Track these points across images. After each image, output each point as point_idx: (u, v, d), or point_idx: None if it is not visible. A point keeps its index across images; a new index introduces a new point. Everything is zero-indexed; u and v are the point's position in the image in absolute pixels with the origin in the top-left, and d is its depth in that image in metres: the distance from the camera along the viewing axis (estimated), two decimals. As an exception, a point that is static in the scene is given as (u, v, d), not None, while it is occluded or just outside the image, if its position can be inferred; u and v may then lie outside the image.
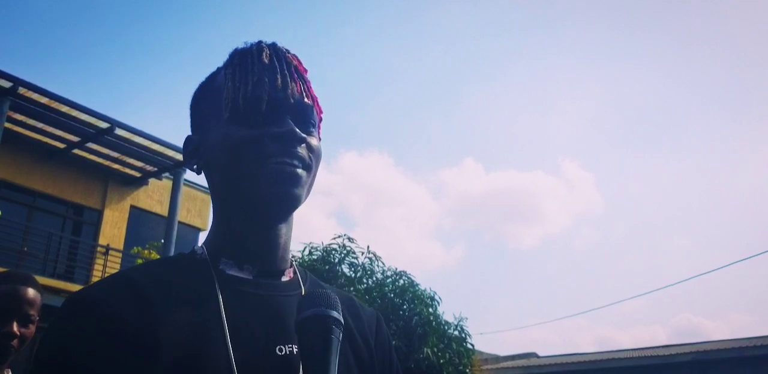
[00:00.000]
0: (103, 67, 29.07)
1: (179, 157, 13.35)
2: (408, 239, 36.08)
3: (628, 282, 35.23)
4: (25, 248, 12.15)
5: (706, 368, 13.72)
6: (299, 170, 0.79)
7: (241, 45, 0.85)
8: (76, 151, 12.92)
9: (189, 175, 14.08)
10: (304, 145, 0.80)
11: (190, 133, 0.88)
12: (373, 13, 36.97)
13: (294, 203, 0.79)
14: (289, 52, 0.85)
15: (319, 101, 0.85)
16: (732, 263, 14.09)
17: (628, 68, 34.55)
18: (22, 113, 11.50)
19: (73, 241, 13.19)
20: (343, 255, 10.57)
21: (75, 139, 12.47)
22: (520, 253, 36.99)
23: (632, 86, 33.39)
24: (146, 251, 13.22)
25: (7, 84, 10.81)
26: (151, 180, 14.58)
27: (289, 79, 0.81)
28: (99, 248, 13.34)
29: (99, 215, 13.85)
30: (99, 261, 13.17)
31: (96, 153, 13.15)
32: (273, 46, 0.84)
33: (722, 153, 32.01)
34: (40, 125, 11.96)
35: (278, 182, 0.77)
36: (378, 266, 11.09)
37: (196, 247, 0.84)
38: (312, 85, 0.85)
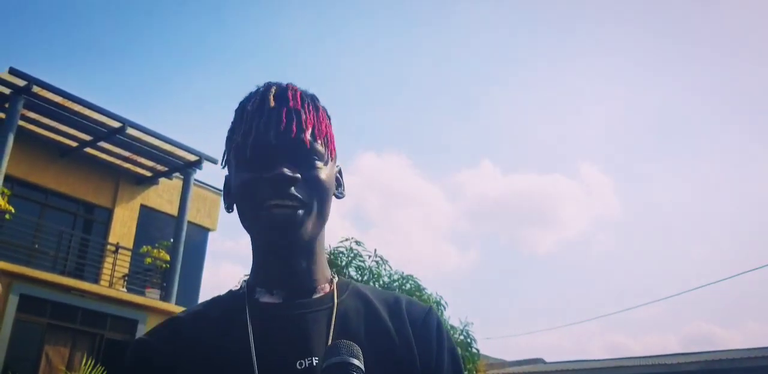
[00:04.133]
0: (116, 67, 29.29)
1: (190, 157, 13.44)
2: (423, 241, 36.01)
3: (642, 288, 34.91)
4: (37, 246, 12.25)
5: (714, 378, 13.59)
6: (299, 211, 0.84)
7: (253, 87, 0.92)
8: (88, 149, 13.03)
9: (199, 175, 14.17)
10: (299, 183, 0.85)
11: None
12: (394, 13, 36.96)
13: (294, 244, 0.86)
14: (294, 91, 0.89)
15: (327, 132, 0.90)
16: (747, 271, 13.94)
17: (652, 73, 34.26)
18: (35, 112, 11.62)
19: (84, 239, 13.27)
20: (350, 258, 10.57)
21: (87, 138, 12.58)
22: (536, 257, 36.80)
23: (655, 91, 33.11)
24: (155, 251, 13.28)
25: (21, 82, 10.92)
26: (162, 180, 14.66)
27: (282, 122, 0.85)
28: (109, 247, 13.43)
29: (109, 213, 13.94)
30: (109, 259, 13.25)
31: (107, 152, 13.25)
32: (269, 88, 0.89)
33: (743, 160, 31.70)
34: (53, 123, 12.08)
35: (275, 228, 0.84)
36: (385, 269, 11.07)
37: (242, 282, 0.93)
38: (318, 118, 0.89)
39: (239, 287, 0.93)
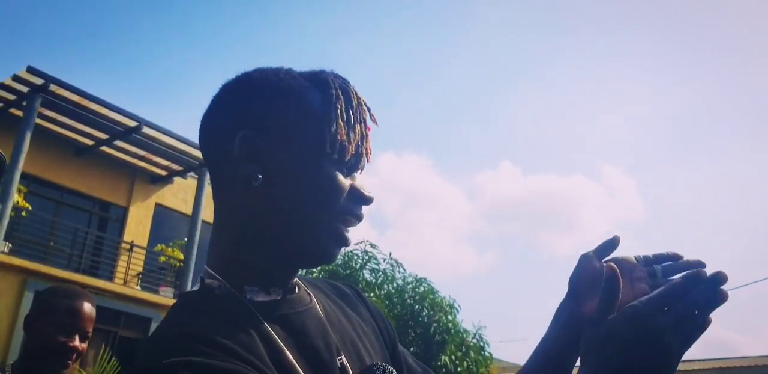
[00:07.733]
0: (132, 67, 29.47)
1: (205, 156, 13.45)
2: (441, 242, 35.93)
3: (658, 292, 34.50)
4: (52, 243, 12.33)
5: (730, 385, 13.43)
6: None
7: (323, 68, 0.80)
8: (104, 148, 13.08)
9: (214, 174, 14.17)
10: None
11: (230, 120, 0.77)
12: (418, 15, 36.87)
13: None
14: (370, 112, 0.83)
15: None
16: (767, 278, 13.71)
17: (677, 76, 33.99)
18: (52, 110, 11.67)
19: (99, 237, 13.35)
20: (364, 261, 10.55)
21: (103, 136, 12.63)
22: (554, 259, 36.59)
23: (680, 94, 32.86)
24: (169, 249, 13.34)
25: (39, 81, 10.97)
26: (177, 179, 14.70)
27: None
28: (123, 245, 13.50)
29: (124, 212, 14.01)
30: (123, 258, 13.32)
31: (123, 151, 13.31)
32: (362, 101, 0.80)
33: (766, 164, 31.29)
34: (69, 121, 12.13)
35: (338, 244, 0.77)
36: (399, 272, 11.05)
37: (206, 280, 0.74)
38: None
39: (213, 286, 0.74)
